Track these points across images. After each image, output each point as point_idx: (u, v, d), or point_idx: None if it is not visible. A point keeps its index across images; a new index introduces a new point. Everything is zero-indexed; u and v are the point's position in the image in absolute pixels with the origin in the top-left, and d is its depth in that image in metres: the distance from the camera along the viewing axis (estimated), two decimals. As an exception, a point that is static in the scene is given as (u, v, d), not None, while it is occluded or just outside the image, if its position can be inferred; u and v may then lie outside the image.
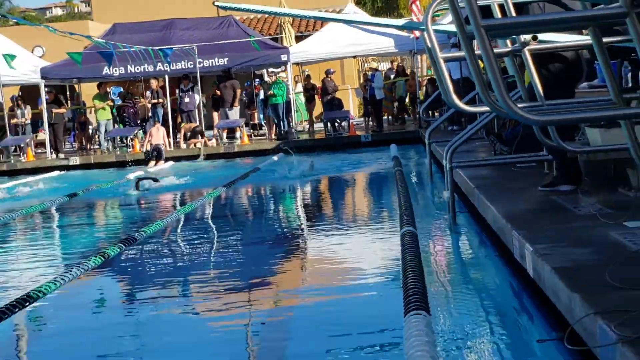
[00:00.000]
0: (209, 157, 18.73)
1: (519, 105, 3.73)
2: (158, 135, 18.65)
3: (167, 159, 18.32)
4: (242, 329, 4.61)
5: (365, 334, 4.14)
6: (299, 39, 23.66)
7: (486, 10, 5.57)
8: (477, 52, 3.71)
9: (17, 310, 4.80)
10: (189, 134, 19.50)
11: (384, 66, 27.21)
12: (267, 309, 4.99)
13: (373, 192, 11.02)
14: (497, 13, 5.52)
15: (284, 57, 19.56)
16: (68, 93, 23.77)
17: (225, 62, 19.70)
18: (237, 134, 20.49)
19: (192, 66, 19.35)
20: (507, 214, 5.23)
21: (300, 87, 22.69)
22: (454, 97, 5.11)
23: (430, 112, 18.93)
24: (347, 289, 5.25)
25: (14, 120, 21.35)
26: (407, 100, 22.09)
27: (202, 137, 19.19)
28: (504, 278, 4.96)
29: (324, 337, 4.15)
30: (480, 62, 3.74)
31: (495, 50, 5.49)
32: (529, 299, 4.28)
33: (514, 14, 5.08)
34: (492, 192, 6.31)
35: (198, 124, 19.67)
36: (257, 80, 22.77)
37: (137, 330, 4.73)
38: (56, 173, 17.99)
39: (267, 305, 5.08)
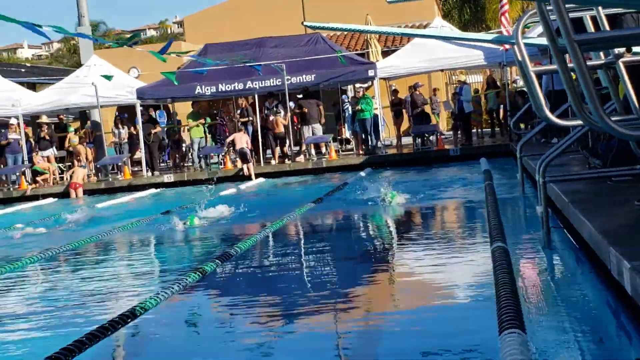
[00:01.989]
0: (298, 172, 18.96)
1: (613, 119, 3.66)
2: (242, 140, 19.18)
3: (256, 175, 18.69)
4: (334, 345, 4.65)
5: (459, 352, 4.11)
6: (385, 54, 23.71)
7: (578, 21, 5.48)
8: (570, 64, 3.68)
9: (120, 326, 4.97)
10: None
11: (473, 79, 26.94)
12: (358, 325, 5.02)
13: (463, 207, 10.90)
14: (590, 25, 5.42)
15: (371, 73, 19.64)
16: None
17: (313, 79, 19.91)
18: (323, 149, 20.68)
19: (280, 83, 19.66)
20: (603, 229, 5.10)
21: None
22: (546, 110, 5.04)
23: (520, 124, 18.59)
24: (438, 306, 5.22)
25: (112, 139, 22.21)
26: (501, 112, 21.69)
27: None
28: (601, 295, 4.83)
29: (416, 354, 4.14)
30: (572, 74, 3.70)
31: (588, 63, 5.40)
32: (627, 316, 4.17)
33: (607, 26, 4.98)
34: (587, 207, 6.16)
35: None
36: (343, 96, 22.95)
37: (234, 345, 4.83)
38: (152, 191, 18.58)
39: (358, 323, 5.10)
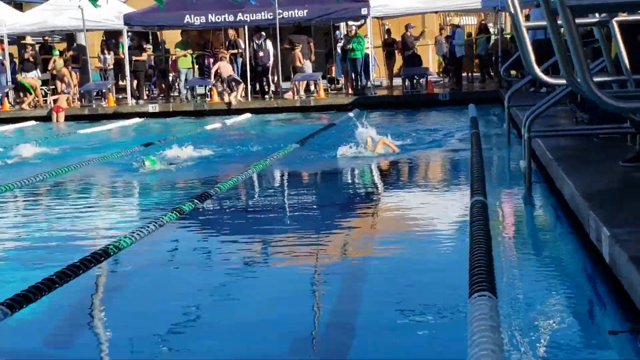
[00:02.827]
0: (285, 109, 18.79)
1: (603, 79, 3.57)
2: (227, 68, 18.95)
3: (243, 111, 18.51)
4: (310, 291, 4.64)
5: (430, 308, 4.07)
6: (380, -8, 23.22)
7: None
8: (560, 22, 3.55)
9: (92, 265, 4.90)
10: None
11: (467, 21, 26.55)
12: (332, 271, 4.98)
13: (446, 156, 10.67)
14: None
15: (364, 11, 19.30)
16: (151, 39, 24.14)
17: (305, 14, 19.54)
18: (312, 87, 20.45)
19: (271, 17, 19.28)
20: (584, 190, 5.04)
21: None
22: (535, 65, 4.92)
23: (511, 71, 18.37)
24: (411, 261, 5.15)
25: (98, 65, 21.87)
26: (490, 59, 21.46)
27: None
28: (578, 260, 4.79)
29: (386, 309, 4.09)
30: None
31: (582, 21, 5.26)
32: (603, 285, 4.11)
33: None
34: (570, 165, 6.10)
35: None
36: (337, 32, 22.58)
37: (211, 286, 4.80)
38: (135, 120, 18.37)
39: (334, 269, 5.05)
